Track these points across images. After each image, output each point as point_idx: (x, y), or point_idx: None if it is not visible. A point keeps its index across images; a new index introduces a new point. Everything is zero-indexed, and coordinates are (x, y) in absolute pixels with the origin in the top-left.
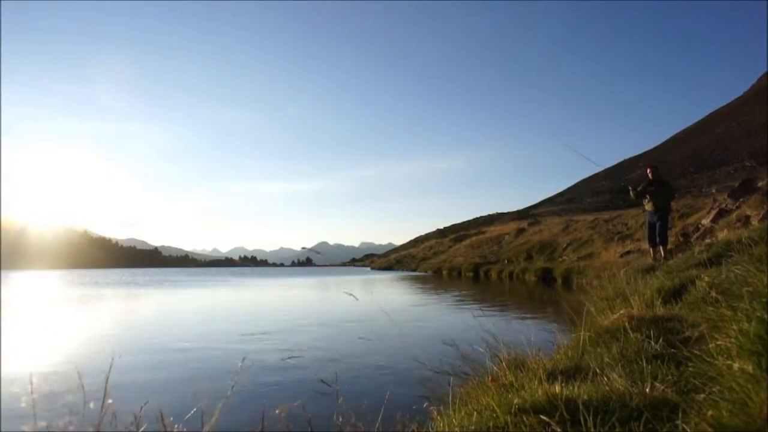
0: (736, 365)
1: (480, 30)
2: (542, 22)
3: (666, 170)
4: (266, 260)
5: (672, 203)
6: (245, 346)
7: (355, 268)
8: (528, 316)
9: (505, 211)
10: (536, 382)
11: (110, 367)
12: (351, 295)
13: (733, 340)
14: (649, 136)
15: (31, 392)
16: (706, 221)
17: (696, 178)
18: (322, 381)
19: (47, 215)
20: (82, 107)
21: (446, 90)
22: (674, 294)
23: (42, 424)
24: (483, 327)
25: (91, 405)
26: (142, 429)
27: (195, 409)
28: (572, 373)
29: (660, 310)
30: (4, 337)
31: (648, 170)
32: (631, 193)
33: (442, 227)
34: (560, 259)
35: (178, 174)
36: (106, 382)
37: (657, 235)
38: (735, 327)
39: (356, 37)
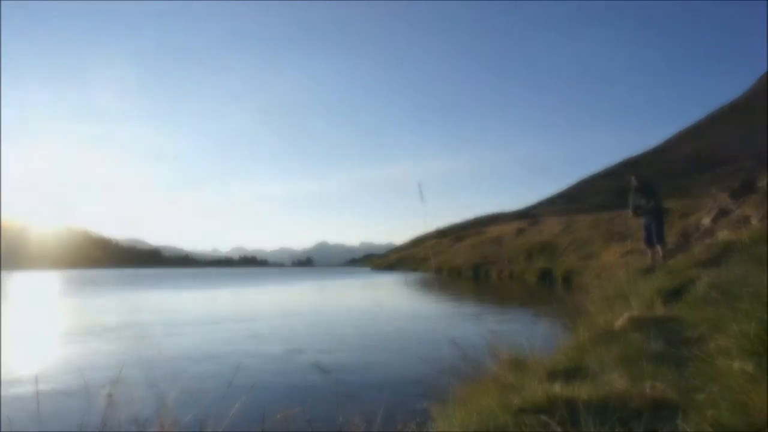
0: (736, 365)
1: (479, 29)
2: (542, 21)
3: (666, 170)
4: (266, 260)
5: (663, 203)
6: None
7: (356, 268)
8: (528, 316)
9: (505, 211)
10: (536, 382)
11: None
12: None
13: (733, 340)
14: (649, 136)
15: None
16: (706, 221)
17: (696, 178)
18: (321, 368)
19: (47, 215)
20: (82, 108)
21: (446, 90)
22: (674, 294)
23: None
24: (483, 327)
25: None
26: None
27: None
28: (572, 373)
29: (660, 311)
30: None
31: (632, 178)
32: (633, 213)
33: (442, 227)
34: (560, 260)
35: (178, 174)
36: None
37: (654, 234)
38: (735, 327)
39: (356, 37)
